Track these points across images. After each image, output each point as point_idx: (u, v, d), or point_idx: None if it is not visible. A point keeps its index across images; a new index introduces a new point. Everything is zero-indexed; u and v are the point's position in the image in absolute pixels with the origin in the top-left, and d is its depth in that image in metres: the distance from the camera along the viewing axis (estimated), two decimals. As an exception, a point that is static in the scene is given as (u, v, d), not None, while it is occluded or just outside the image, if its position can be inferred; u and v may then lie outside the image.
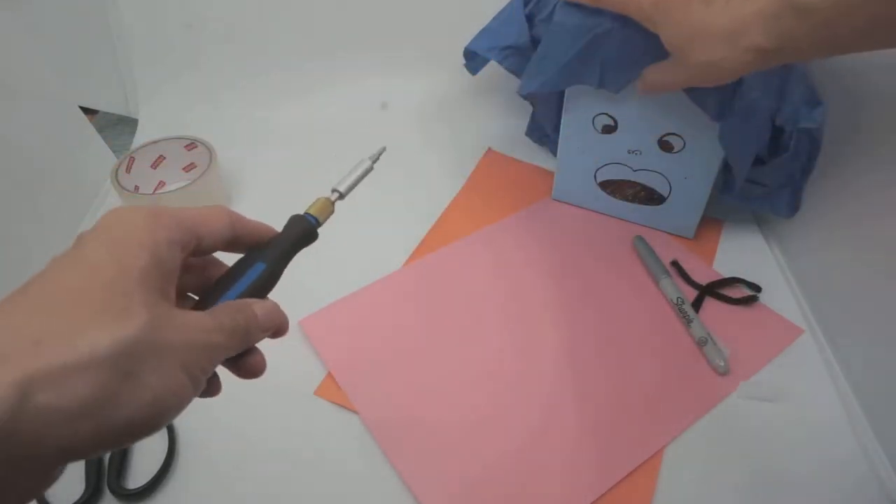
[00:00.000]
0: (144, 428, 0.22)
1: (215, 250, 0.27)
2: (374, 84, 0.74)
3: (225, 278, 0.27)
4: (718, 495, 0.41)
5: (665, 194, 0.56)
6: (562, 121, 0.56)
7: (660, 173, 0.55)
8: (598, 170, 0.58)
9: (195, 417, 0.44)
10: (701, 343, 0.48)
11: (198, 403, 0.47)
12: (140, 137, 0.71)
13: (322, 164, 0.70)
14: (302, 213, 0.29)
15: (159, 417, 0.23)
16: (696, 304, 0.51)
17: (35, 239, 0.54)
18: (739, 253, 0.58)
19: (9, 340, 0.19)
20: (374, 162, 0.33)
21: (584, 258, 0.57)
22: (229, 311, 0.25)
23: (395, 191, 0.65)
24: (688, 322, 0.49)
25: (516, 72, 0.59)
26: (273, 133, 0.72)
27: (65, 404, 0.19)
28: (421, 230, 0.60)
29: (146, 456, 0.42)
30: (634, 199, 0.58)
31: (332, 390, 0.46)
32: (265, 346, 0.50)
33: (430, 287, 0.54)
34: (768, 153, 0.54)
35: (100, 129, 0.68)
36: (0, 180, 0.50)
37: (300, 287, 0.54)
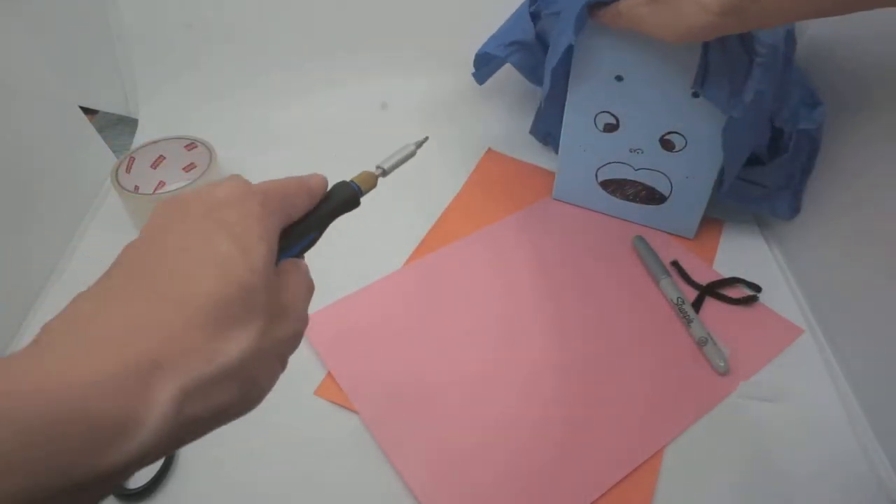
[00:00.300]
0: (243, 415, 0.22)
1: None
2: (374, 84, 0.74)
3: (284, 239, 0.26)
4: (718, 495, 0.41)
5: (666, 194, 0.56)
6: (564, 119, 0.56)
7: (661, 172, 0.55)
8: (599, 168, 0.58)
9: (195, 417, 0.44)
10: (701, 343, 0.48)
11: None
12: (140, 137, 0.71)
13: (322, 164, 0.70)
14: (347, 180, 0.30)
15: (257, 404, 0.23)
16: (697, 305, 0.51)
17: (35, 239, 0.54)
18: (739, 253, 0.58)
19: (162, 345, 0.19)
20: (418, 148, 0.34)
21: (585, 258, 0.57)
22: (305, 290, 0.25)
23: (395, 191, 0.64)
24: (688, 322, 0.49)
25: (522, 67, 0.60)
26: (273, 133, 0.72)
27: (205, 414, 0.19)
28: (421, 230, 0.60)
29: (146, 456, 0.42)
30: (635, 198, 0.58)
31: (332, 390, 0.46)
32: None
33: (430, 287, 0.54)
34: (768, 154, 0.54)
35: (100, 129, 0.67)
36: (0, 180, 0.50)
37: (300, 287, 0.54)
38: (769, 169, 0.54)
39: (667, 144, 0.53)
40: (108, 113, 0.75)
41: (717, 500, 0.41)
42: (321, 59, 0.73)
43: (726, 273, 0.55)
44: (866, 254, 0.47)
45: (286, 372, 0.49)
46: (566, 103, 0.55)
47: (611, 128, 0.54)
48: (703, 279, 0.54)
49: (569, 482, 0.41)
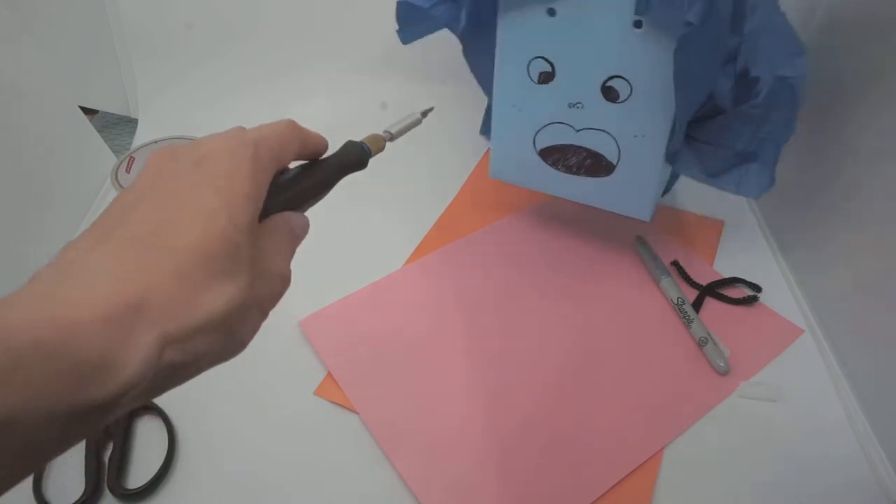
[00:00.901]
0: (222, 362, 0.23)
1: None
2: (374, 84, 0.74)
3: (277, 188, 0.26)
4: (718, 495, 0.41)
5: (614, 160, 0.48)
6: (494, 72, 0.49)
7: (606, 132, 0.47)
8: (537, 133, 0.49)
9: (195, 418, 0.44)
10: (701, 343, 0.48)
11: (197, 403, 0.47)
12: (140, 137, 0.71)
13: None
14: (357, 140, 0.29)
15: (239, 353, 0.23)
16: (697, 305, 0.51)
17: (35, 239, 0.54)
18: (739, 253, 0.58)
19: (147, 293, 0.19)
20: (424, 116, 0.34)
21: (585, 257, 0.57)
22: (290, 241, 0.25)
23: (395, 190, 0.65)
24: (688, 322, 0.49)
25: (449, 23, 0.53)
26: (273, 133, 0.72)
27: (185, 361, 0.20)
28: (421, 230, 0.60)
29: (146, 456, 0.42)
30: (580, 169, 0.49)
31: (332, 390, 0.46)
32: (264, 346, 0.50)
33: (430, 287, 0.54)
34: (732, 100, 0.45)
35: (100, 129, 0.68)
36: (0, 180, 0.50)
37: (300, 287, 0.54)
38: (734, 120, 0.45)
39: (609, 93, 0.45)
40: (108, 113, 0.75)
41: (717, 501, 0.41)
42: (321, 59, 0.73)
43: (726, 273, 0.55)
44: (867, 253, 0.47)
45: (286, 372, 0.49)
46: (496, 51, 0.48)
47: (546, 77, 0.46)
48: (704, 279, 0.54)
49: (569, 482, 0.41)
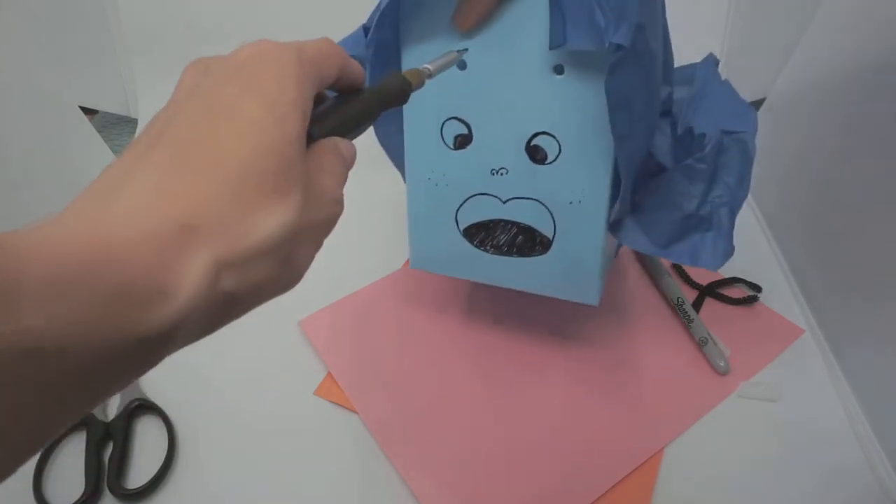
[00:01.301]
0: (278, 294, 0.21)
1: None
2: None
3: (320, 114, 0.24)
4: (718, 495, 0.41)
5: (549, 235, 0.41)
6: (405, 142, 0.42)
7: (537, 201, 0.40)
8: (458, 209, 0.42)
9: (195, 418, 0.44)
10: (701, 343, 0.48)
11: (198, 403, 0.47)
12: (140, 137, 0.71)
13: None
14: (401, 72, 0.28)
15: (293, 286, 0.21)
16: (697, 305, 0.51)
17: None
18: (739, 253, 0.57)
19: (196, 212, 0.17)
20: (461, 55, 0.33)
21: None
22: (342, 173, 0.23)
23: (395, 190, 0.65)
24: (688, 322, 0.49)
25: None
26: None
27: (240, 290, 0.18)
28: (421, 230, 0.59)
29: (146, 456, 0.42)
30: (511, 248, 0.42)
31: (332, 390, 0.46)
32: (264, 346, 0.51)
33: (430, 287, 0.54)
34: (674, 158, 0.42)
35: (100, 129, 0.68)
36: (0, 180, 0.50)
37: (300, 287, 0.54)
38: (679, 178, 0.39)
39: (536, 154, 0.39)
40: (108, 113, 0.75)
41: (717, 501, 0.41)
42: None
43: (726, 273, 0.55)
44: (867, 253, 0.47)
45: (286, 372, 0.49)
46: (404, 114, 0.42)
47: (463, 140, 0.40)
48: (704, 279, 0.54)
49: (569, 482, 0.41)
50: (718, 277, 0.54)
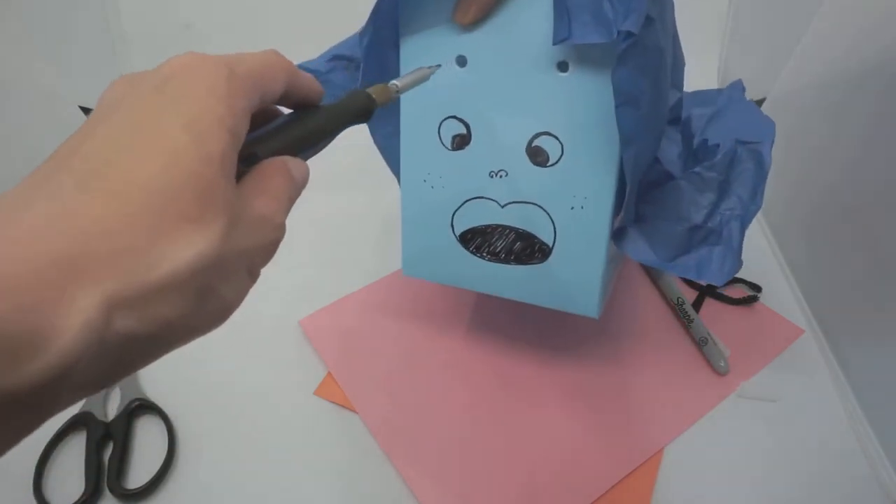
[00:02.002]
0: (202, 334, 0.19)
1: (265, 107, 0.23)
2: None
3: (269, 133, 0.23)
4: (718, 495, 0.41)
5: (549, 241, 0.39)
6: (401, 141, 0.41)
7: (537, 205, 0.38)
8: (455, 213, 0.41)
9: (195, 418, 0.44)
10: (701, 343, 0.48)
11: (198, 403, 0.47)
12: (140, 137, 0.71)
13: (321, 163, 0.70)
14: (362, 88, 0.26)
15: (221, 322, 0.20)
16: (697, 305, 0.51)
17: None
18: (739, 253, 0.58)
19: (87, 243, 0.15)
20: (432, 73, 0.30)
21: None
22: (287, 184, 0.21)
23: (395, 190, 0.65)
24: (688, 322, 0.49)
25: (345, 86, 0.44)
26: (273, 133, 0.72)
27: (145, 330, 0.16)
28: (421, 230, 0.59)
29: (146, 456, 0.42)
30: (509, 255, 0.40)
31: (332, 390, 0.46)
32: (264, 346, 0.51)
33: (431, 287, 0.54)
34: (682, 167, 0.41)
35: (100, 129, 0.68)
36: None
37: (300, 287, 0.54)
38: (688, 187, 0.38)
39: (537, 155, 0.37)
40: (108, 113, 0.75)
41: (717, 501, 0.41)
42: (321, 59, 0.73)
43: (726, 273, 0.55)
44: (867, 253, 0.47)
45: (286, 372, 0.49)
46: (401, 112, 0.40)
47: (461, 141, 0.39)
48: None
49: (569, 482, 0.41)
50: (718, 277, 0.54)
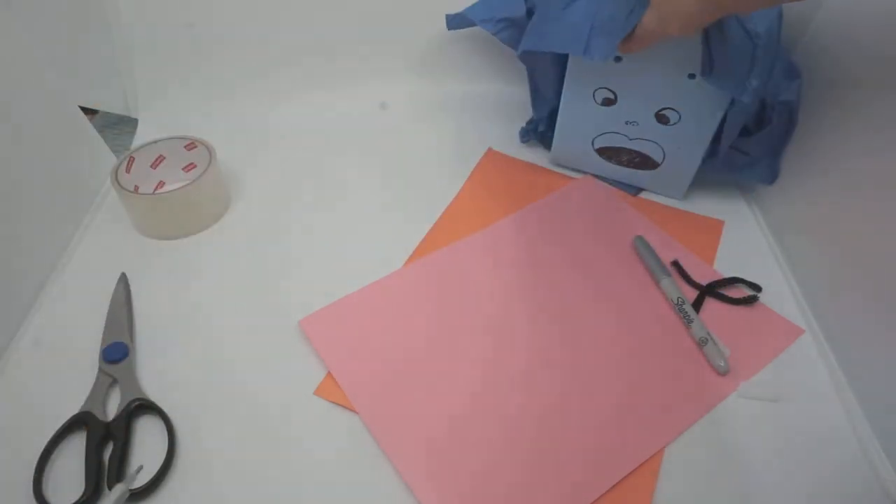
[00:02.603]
0: None
1: None
2: (374, 84, 0.74)
3: None
4: (718, 495, 0.41)
5: (659, 161, 0.60)
6: (563, 93, 0.58)
7: (655, 142, 0.58)
8: (595, 137, 0.61)
9: (195, 418, 0.44)
10: (702, 343, 0.48)
11: (198, 403, 0.47)
12: (140, 137, 0.71)
13: (322, 163, 0.70)
14: None
15: None
16: (697, 305, 0.51)
17: (35, 239, 0.54)
18: (739, 253, 0.58)
19: None
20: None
21: (584, 258, 0.57)
22: None
23: (395, 190, 0.65)
24: (688, 322, 0.49)
25: (512, 44, 0.61)
26: (273, 133, 0.72)
27: None
28: (422, 230, 0.60)
29: (146, 456, 0.42)
30: (629, 164, 0.61)
31: (331, 390, 0.46)
32: (264, 346, 0.51)
33: (430, 287, 0.54)
34: (755, 125, 0.58)
35: (100, 129, 0.67)
36: (0, 180, 0.50)
37: (300, 287, 0.54)
38: (755, 138, 0.57)
39: (662, 118, 0.56)
40: (108, 113, 0.75)
41: (717, 501, 0.41)
42: (321, 59, 0.73)
43: (726, 273, 0.55)
44: (867, 254, 0.47)
45: (286, 372, 0.49)
46: (566, 79, 0.57)
47: (608, 102, 0.57)
48: (704, 279, 0.54)
49: (569, 482, 0.41)
50: (718, 277, 0.54)
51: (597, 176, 0.65)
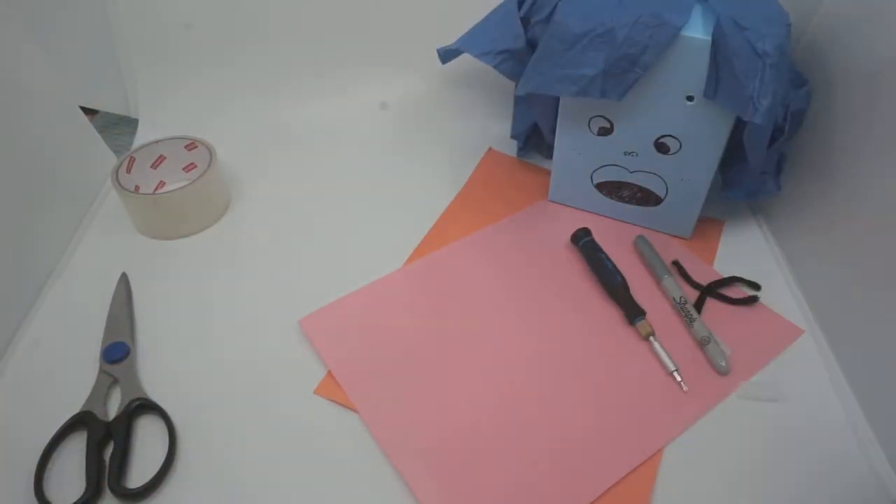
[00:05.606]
0: None
1: None
2: (374, 84, 0.74)
3: None
4: (718, 495, 0.41)
5: (662, 195, 0.56)
6: (557, 123, 0.56)
7: (656, 175, 0.55)
8: (594, 171, 0.58)
9: (195, 418, 0.44)
10: (703, 343, 0.48)
11: (198, 403, 0.47)
12: (140, 137, 0.71)
13: (322, 163, 0.70)
14: None
15: None
16: (698, 305, 0.51)
17: (35, 238, 0.54)
18: (739, 253, 0.58)
19: None
20: None
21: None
22: None
23: (395, 190, 0.65)
24: (690, 321, 0.49)
25: (512, 76, 0.58)
26: (273, 133, 0.72)
27: None
28: (421, 230, 0.60)
29: (146, 456, 0.42)
30: (631, 200, 0.58)
31: (331, 389, 0.46)
32: (264, 346, 0.51)
33: (430, 287, 0.54)
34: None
35: (100, 129, 0.68)
36: (0, 180, 0.50)
37: (300, 287, 0.54)
38: (770, 153, 0.53)
39: (661, 147, 0.53)
40: (108, 113, 0.75)
41: (717, 501, 0.41)
42: (321, 59, 0.73)
43: (726, 273, 0.55)
44: (867, 254, 0.47)
45: (286, 371, 0.49)
46: (560, 108, 0.55)
47: (605, 131, 0.54)
48: (704, 279, 0.54)
49: (568, 482, 0.41)
50: (719, 277, 0.54)
51: (597, 215, 0.61)
